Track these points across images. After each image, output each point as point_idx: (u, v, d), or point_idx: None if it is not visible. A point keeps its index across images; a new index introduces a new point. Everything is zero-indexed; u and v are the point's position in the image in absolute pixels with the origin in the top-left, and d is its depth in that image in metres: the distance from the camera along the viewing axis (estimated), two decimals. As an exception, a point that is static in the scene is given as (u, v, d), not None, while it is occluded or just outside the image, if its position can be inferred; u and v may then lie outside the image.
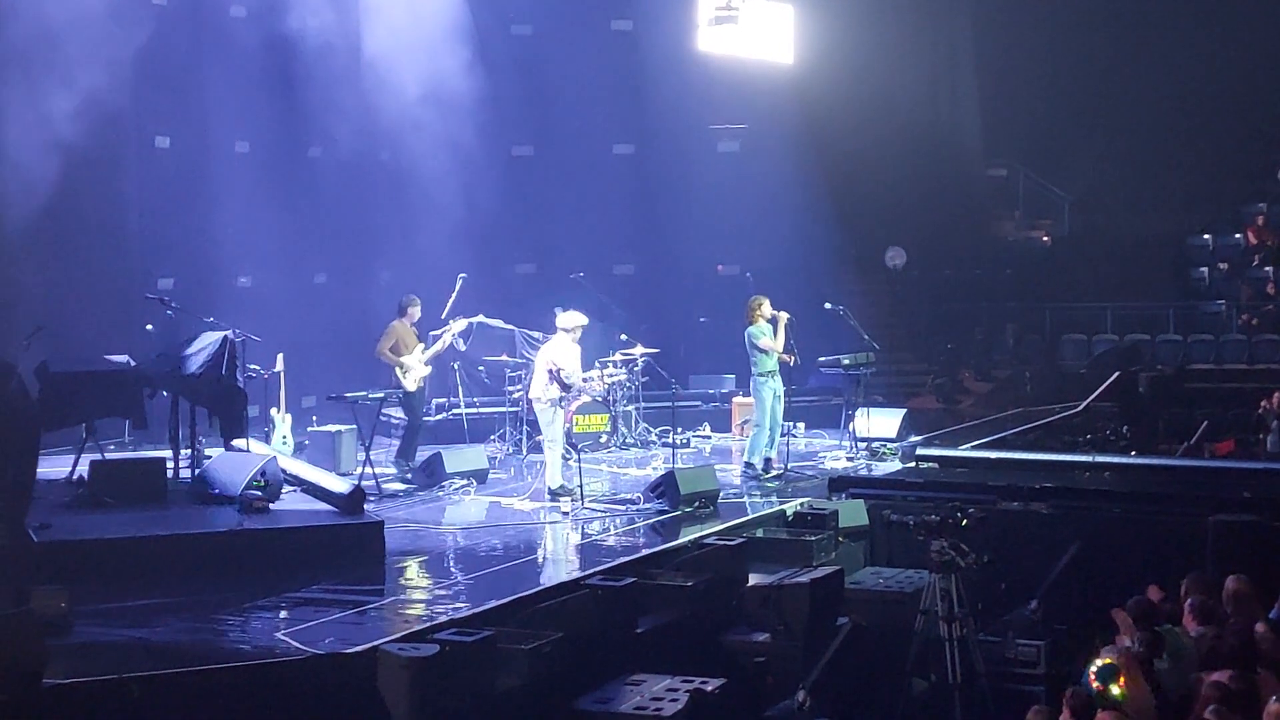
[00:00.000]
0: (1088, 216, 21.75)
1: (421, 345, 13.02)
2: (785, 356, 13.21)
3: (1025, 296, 20.25)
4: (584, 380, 12.93)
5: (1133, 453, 14.74)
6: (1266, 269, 19.77)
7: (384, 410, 13.21)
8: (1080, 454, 13.79)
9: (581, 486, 12.09)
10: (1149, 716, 7.32)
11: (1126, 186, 20.99)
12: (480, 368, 15.43)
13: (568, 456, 13.52)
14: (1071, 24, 20.58)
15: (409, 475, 12.94)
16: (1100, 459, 13.38)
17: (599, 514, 11.80)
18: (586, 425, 14.74)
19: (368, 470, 12.29)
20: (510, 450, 14.49)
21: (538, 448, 14.24)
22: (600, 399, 14.54)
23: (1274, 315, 18.88)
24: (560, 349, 12.60)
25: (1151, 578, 9.12)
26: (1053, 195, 21.89)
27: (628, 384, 14.98)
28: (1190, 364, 18.72)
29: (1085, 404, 16.74)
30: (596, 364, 14.17)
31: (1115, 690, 7.24)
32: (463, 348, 15.01)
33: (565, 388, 12.36)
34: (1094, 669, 7.41)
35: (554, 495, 12.09)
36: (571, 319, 12.66)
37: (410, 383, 12.85)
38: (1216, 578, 8.97)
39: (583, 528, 11.46)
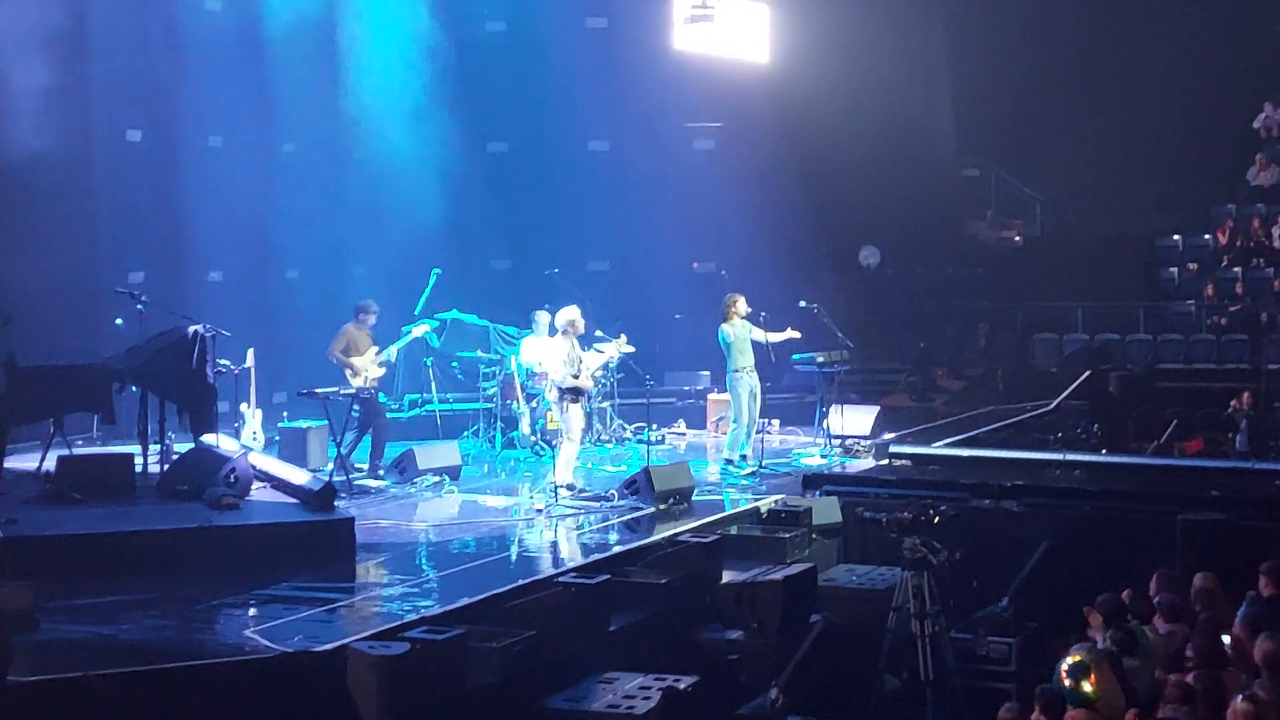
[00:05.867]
0: (1059, 217, 21.87)
1: (375, 348, 13.01)
2: (769, 336, 13.29)
3: (997, 296, 20.31)
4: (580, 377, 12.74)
5: (1103, 451, 14.80)
6: (1235, 269, 19.89)
7: (356, 406, 13.11)
8: (1051, 452, 13.85)
9: (555, 483, 12.02)
10: (1119, 714, 7.31)
11: (1098, 187, 21.09)
12: (454, 364, 15.35)
13: (540, 452, 13.52)
14: (1044, 25, 20.66)
15: (381, 472, 12.86)
16: (1071, 457, 13.46)
17: (573, 511, 11.73)
18: (560, 421, 14.65)
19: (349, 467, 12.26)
20: (484, 446, 14.42)
21: (511, 444, 14.23)
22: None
23: (1242, 315, 18.98)
24: (547, 348, 12.57)
25: (1121, 575, 9.14)
26: (1025, 195, 21.99)
27: (603, 380, 14.92)
28: (1160, 363, 18.82)
29: (1056, 402, 16.81)
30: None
31: (1086, 688, 7.24)
32: (436, 344, 14.98)
33: (572, 392, 12.25)
34: (1065, 666, 7.41)
35: (556, 491, 11.92)
36: (562, 316, 12.58)
37: (358, 381, 12.82)
38: (1185, 575, 8.99)
39: (556, 525, 11.40)
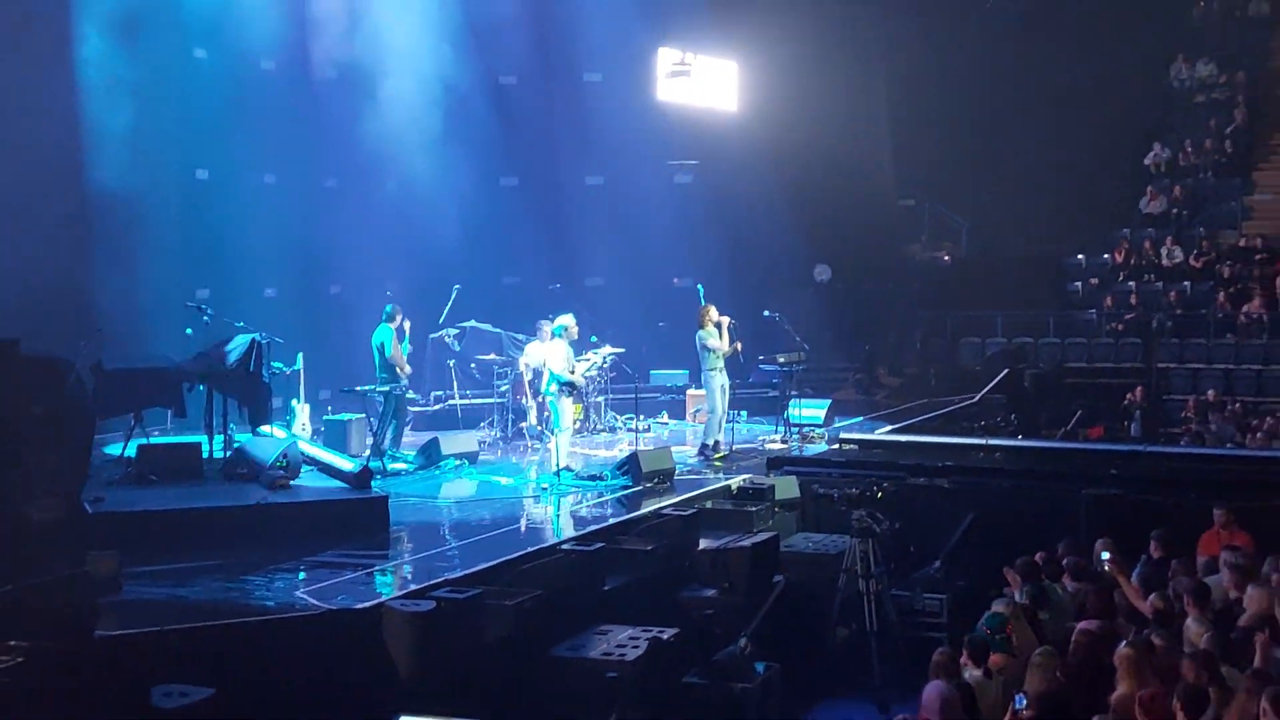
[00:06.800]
0: (982, 240, 21.95)
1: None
2: (729, 350, 13.19)
3: (930, 306, 20.37)
4: (574, 374, 12.66)
5: (1019, 437, 14.86)
6: (1130, 284, 19.97)
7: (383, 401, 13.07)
8: (975, 438, 13.86)
9: (558, 466, 12.02)
10: (1033, 659, 7.34)
11: (1015, 215, 21.17)
12: (472, 365, 15.33)
13: (545, 438, 13.48)
14: (970, 77, 20.74)
15: (410, 456, 12.82)
16: (992, 442, 13.46)
17: (573, 489, 11.72)
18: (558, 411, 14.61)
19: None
20: (498, 435, 14.40)
21: (521, 434, 14.21)
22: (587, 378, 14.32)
23: (1136, 323, 19.06)
24: (549, 350, 12.58)
25: (1035, 541, 9.16)
26: (953, 222, 22.06)
27: (598, 378, 14.93)
28: (1066, 363, 18.90)
29: (979, 396, 16.89)
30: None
31: (1005, 636, 7.27)
32: (457, 348, 14.94)
33: (568, 386, 12.21)
34: (988, 618, 7.43)
35: (559, 472, 11.92)
36: (560, 321, 12.57)
37: (405, 379, 12.76)
38: (1089, 541, 9.03)
39: (559, 501, 11.38)
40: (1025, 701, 5.77)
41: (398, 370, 12.67)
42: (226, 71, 14.67)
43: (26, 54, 12.01)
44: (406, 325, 13.14)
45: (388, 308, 12.97)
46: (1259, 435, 15.20)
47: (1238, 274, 19.38)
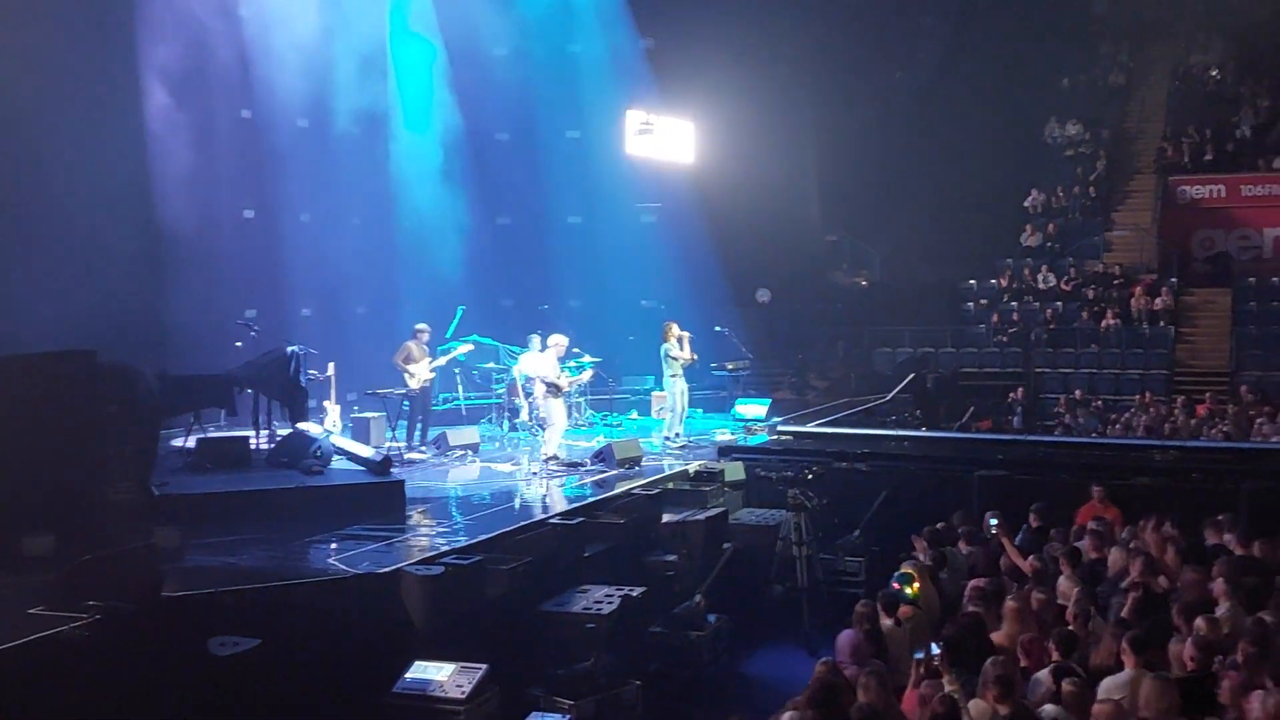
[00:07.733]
0: (893, 267, 22.14)
1: (429, 358, 12.86)
2: (688, 359, 13.25)
3: (850, 322, 20.52)
4: (559, 379, 12.64)
5: (923, 428, 14.97)
6: (1013, 304, 20.22)
7: (405, 402, 13.03)
8: (888, 429, 13.96)
9: (546, 454, 11.98)
10: (934, 610, 7.45)
11: (919, 246, 21.39)
12: (475, 371, 15.31)
13: (535, 433, 13.47)
14: (882, 135, 20.93)
15: (421, 448, 12.78)
16: (901, 433, 13.57)
17: (558, 473, 11.73)
18: (544, 411, 14.55)
19: (394, 444, 12.12)
20: (497, 429, 14.36)
21: (515, 428, 14.17)
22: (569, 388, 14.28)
23: (1017, 335, 19.30)
24: (539, 360, 12.57)
25: (936, 513, 9.27)
26: (868, 253, 22.23)
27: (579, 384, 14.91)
28: (961, 368, 19.09)
29: (891, 395, 17.01)
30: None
31: (910, 592, 7.36)
32: (462, 358, 14.89)
33: (554, 388, 12.23)
34: (897, 576, 7.53)
35: (546, 460, 11.90)
36: (553, 338, 12.59)
37: (414, 383, 12.63)
38: (980, 514, 9.15)
39: (547, 483, 11.38)
40: (923, 655, 5.82)
41: (406, 377, 12.64)
42: (268, 127, 14.59)
43: (102, 109, 11.91)
44: (467, 347, 13.13)
45: (416, 325, 12.94)
46: (1117, 426, 15.44)
47: (1099, 296, 19.68)
